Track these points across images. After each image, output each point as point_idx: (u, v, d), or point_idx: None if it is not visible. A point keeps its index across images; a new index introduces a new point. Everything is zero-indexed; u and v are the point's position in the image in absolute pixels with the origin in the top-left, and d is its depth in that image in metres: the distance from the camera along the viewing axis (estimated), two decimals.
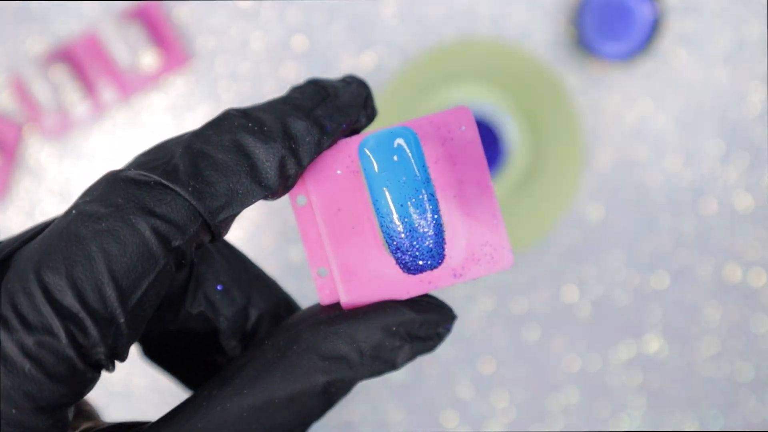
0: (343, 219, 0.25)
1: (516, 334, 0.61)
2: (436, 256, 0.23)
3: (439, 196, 0.25)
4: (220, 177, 0.23)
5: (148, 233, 0.22)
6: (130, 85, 0.59)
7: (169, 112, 0.60)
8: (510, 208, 0.58)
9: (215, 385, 0.24)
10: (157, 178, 0.23)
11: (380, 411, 0.61)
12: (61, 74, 0.59)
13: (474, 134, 0.25)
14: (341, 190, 0.25)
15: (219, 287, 0.26)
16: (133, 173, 0.23)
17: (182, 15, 0.60)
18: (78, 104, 0.59)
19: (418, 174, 0.23)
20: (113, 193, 0.23)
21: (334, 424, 0.61)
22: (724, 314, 0.60)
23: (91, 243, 0.22)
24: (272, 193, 0.24)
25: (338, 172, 0.25)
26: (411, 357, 0.25)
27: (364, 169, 0.23)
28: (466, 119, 0.25)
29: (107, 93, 0.59)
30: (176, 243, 0.23)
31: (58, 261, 0.22)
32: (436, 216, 0.23)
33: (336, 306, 0.25)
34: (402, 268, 0.23)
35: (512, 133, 0.58)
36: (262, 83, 0.60)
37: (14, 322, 0.21)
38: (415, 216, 0.23)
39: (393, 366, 0.25)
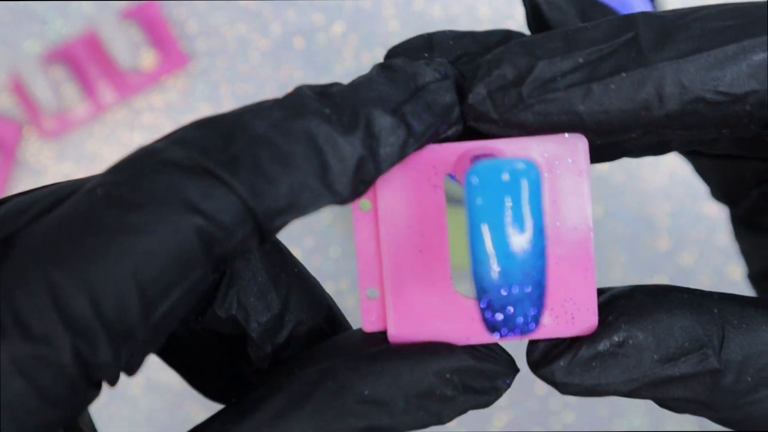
0: (410, 237, 0.21)
1: None
2: (531, 323, 0.18)
3: None
4: (284, 173, 0.18)
5: (188, 234, 0.17)
6: (130, 85, 0.59)
7: (169, 112, 0.60)
8: None
9: (229, 419, 0.20)
10: (208, 164, 0.18)
11: None
12: (60, 74, 0.59)
13: (584, 169, 0.21)
14: (415, 204, 0.21)
15: (254, 288, 0.22)
16: (179, 155, 0.18)
17: (182, 15, 0.60)
18: (77, 104, 0.59)
19: (530, 221, 0.18)
20: (152, 177, 0.17)
21: None
22: None
23: (116, 237, 0.17)
24: (341, 200, 0.19)
25: (417, 182, 0.21)
26: (461, 411, 0.20)
27: (468, 203, 0.18)
28: (577, 150, 0.21)
29: (107, 93, 0.59)
30: (219, 249, 0.18)
31: (73, 255, 0.17)
32: (541, 275, 0.18)
33: (381, 338, 0.21)
34: (487, 327, 0.18)
35: None
36: (263, 84, 0.60)
37: (10, 326, 0.17)
38: (517, 270, 0.18)
39: (439, 420, 0.20)
